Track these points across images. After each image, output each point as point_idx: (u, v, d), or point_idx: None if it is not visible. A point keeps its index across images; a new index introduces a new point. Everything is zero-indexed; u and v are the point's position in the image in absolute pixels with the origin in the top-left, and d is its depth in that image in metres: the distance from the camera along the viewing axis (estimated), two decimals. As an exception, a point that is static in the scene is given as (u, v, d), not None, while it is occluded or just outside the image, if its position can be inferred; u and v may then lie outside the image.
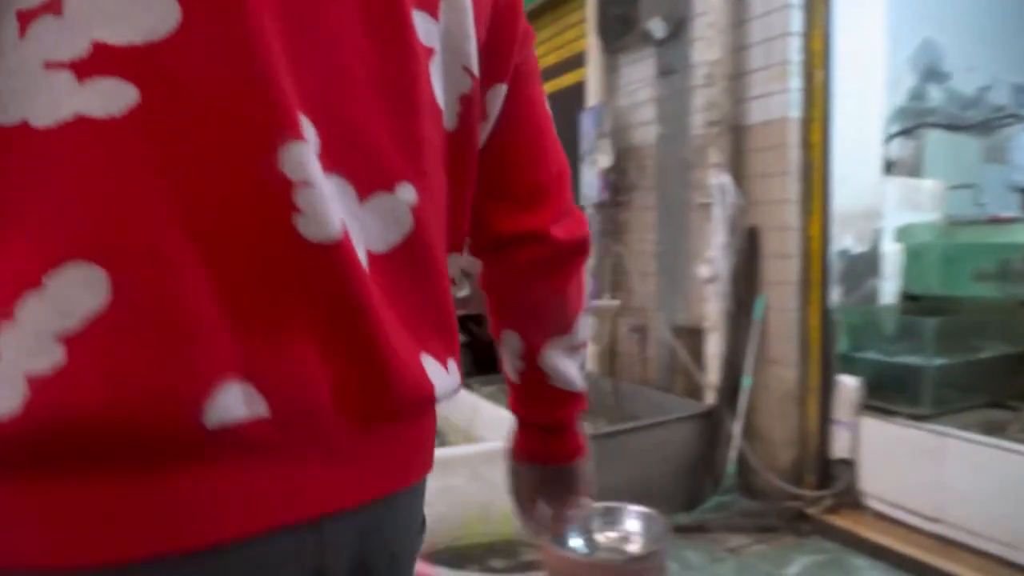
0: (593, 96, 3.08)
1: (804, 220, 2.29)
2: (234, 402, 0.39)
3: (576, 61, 3.54)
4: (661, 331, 2.80)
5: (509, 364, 0.70)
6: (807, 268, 2.31)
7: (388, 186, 0.47)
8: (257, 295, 0.41)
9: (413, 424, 0.51)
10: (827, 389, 2.30)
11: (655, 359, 2.88)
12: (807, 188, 2.28)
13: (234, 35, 0.40)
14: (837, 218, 2.29)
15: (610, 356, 3.04)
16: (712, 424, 2.43)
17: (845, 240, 2.35)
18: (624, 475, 2.24)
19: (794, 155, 2.27)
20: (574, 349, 0.68)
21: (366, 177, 0.46)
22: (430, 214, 0.50)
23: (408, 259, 0.48)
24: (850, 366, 2.32)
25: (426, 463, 0.54)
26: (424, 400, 0.48)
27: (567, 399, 0.70)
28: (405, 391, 0.46)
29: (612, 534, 1.70)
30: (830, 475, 2.31)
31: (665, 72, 2.75)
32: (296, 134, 0.41)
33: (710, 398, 2.51)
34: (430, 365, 0.49)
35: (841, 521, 2.19)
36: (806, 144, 2.27)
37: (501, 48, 0.56)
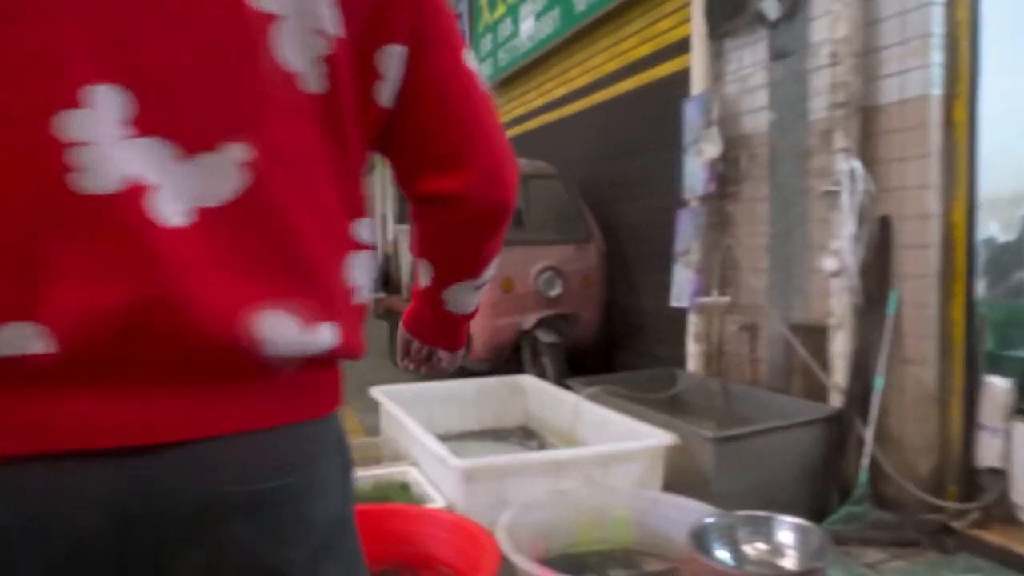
0: (697, 84, 2.95)
1: (945, 206, 2.10)
2: (17, 337, 0.46)
3: (672, 51, 3.42)
4: (775, 329, 2.64)
5: (420, 275, 0.78)
6: (948, 259, 2.11)
7: (210, 146, 0.51)
8: (37, 244, 0.47)
9: (236, 371, 0.52)
10: (972, 391, 2.10)
11: (767, 359, 2.72)
12: (949, 171, 2.09)
13: (23, 15, 0.46)
14: (982, 204, 2.09)
15: (717, 355, 2.89)
16: (840, 428, 2.25)
17: (990, 227, 2.15)
18: (744, 481, 2.10)
19: (935, 136, 2.08)
20: (477, 288, 0.77)
21: (188, 138, 0.50)
22: (281, 172, 0.53)
23: (249, 215, 0.52)
24: (998, 366, 2.11)
25: (269, 416, 0.54)
26: (242, 348, 0.50)
27: (456, 319, 0.80)
28: (208, 336, 0.49)
29: (761, 546, 1.57)
30: (976, 485, 2.10)
31: (779, 55, 2.60)
32: (73, 103, 0.47)
33: (835, 400, 2.33)
34: (271, 318, 0.52)
35: (993, 536, 1.99)
36: (948, 123, 2.08)
37: (382, 10, 0.57)
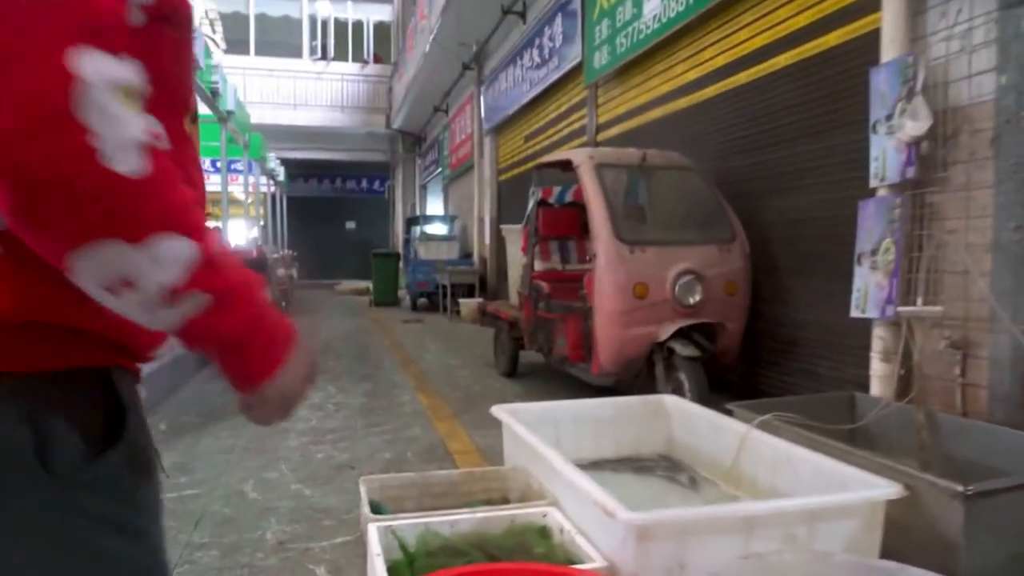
0: (889, 48, 2.43)
1: None
2: None
3: (842, 16, 2.90)
4: (1003, 347, 2.09)
5: None
6: None
7: None
8: None
9: None
10: None
11: (988, 384, 2.16)
12: None
13: None
14: None
15: (917, 378, 2.35)
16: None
17: None
18: (1003, 552, 1.58)
19: None
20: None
21: None
22: None
23: None
24: None
25: None
26: None
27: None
28: None
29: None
30: None
31: (1016, 1, 2.05)
32: None
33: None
34: None
35: None
36: None
37: None
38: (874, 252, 2.40)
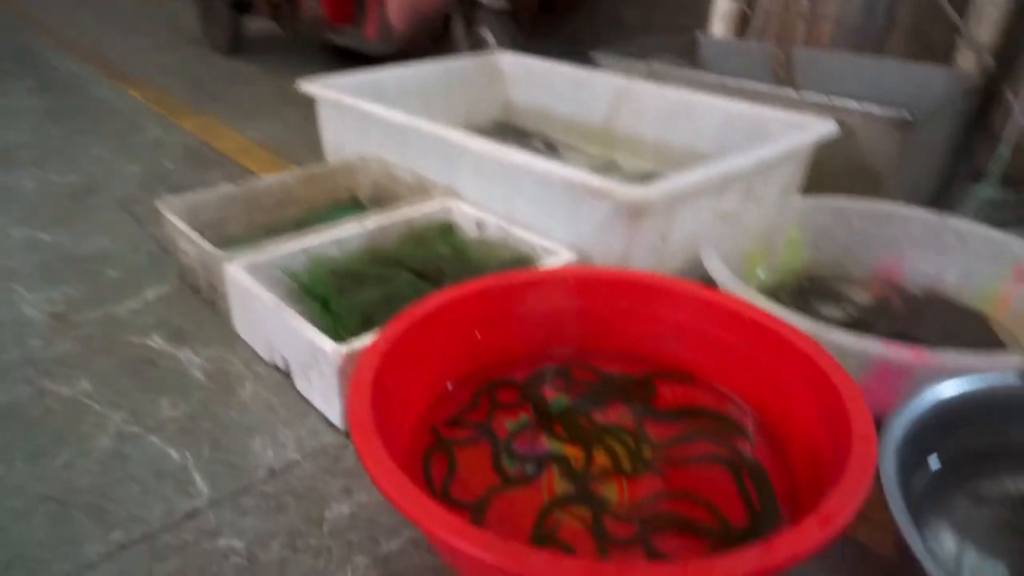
0: None
1: None
2: None
3: None
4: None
5: None
6: None
7: None
8: None
9: None
10: None
11: (837, 14, 2.10)
12: None
13: None
14: None
15: (753, 16, 2.21)
16: (981, 99, 1.79)
17: None
18: (923, 174, 1.61)
19: None
20: None
21: None
22: None
23: None
24: None
25: None
26: None
27: None
28: None
29: None
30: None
31: None
32: None
33: (969, 63, 1.84)
34: None
35: None
36: None
37: None
38: None
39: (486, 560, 0.56)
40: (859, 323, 1.26)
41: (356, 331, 1.07)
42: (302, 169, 1.63)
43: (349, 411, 0.71)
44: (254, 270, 1.16)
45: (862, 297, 1.37)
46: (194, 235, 1.28)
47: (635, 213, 1.16)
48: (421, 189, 1.55)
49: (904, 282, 1.38)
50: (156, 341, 1.21)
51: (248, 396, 1.05)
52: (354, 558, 0.76)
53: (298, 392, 1.05)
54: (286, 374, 1.09)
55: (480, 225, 1.39)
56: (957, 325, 1.25)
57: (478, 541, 0.56)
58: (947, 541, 0.77)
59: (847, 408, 0.74)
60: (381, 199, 1.67)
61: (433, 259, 1.30)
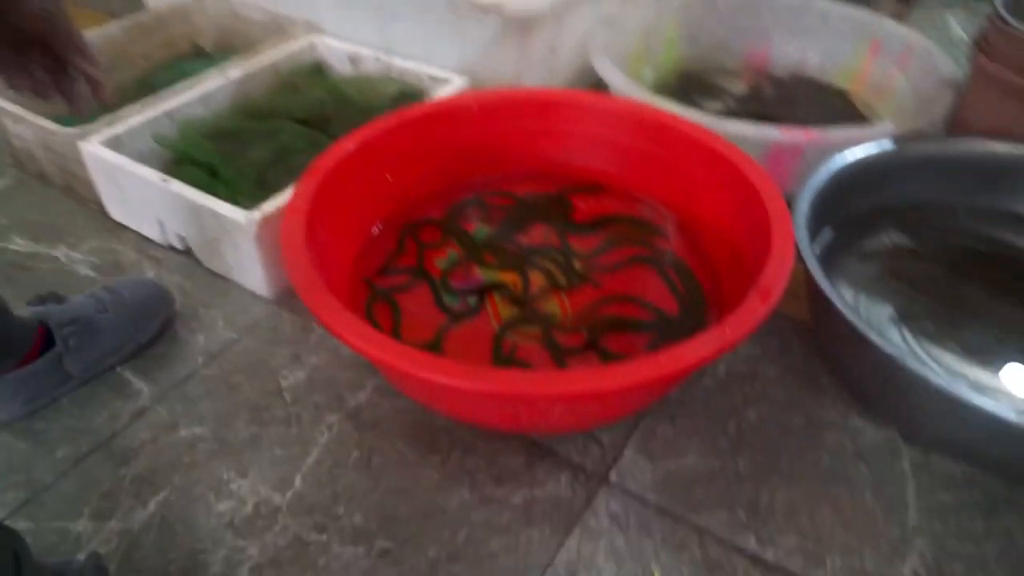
0: None
1: None
2: None
3: None
4: None
5: None
6: None
7: None
8: None
9: None
10: None
11: None
12: None
13: None
14: None
15: None
16: None
17: None
18: None
19: None
20: None
21: None
22: None
23: None
24: None
25: None
26: None
27: None
28: None
29: None
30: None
31: None
32: None
33: None
34: None
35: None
36: None
37: None
38: None
39: (485, 390, 0.58)
40: (738, 112, 1.32)
41: (253, 195, 0.99)
42: (125, 19, 1.41)
43: (291, 275, 0.69)
44: (117, 144, 1.03)
45: (737, 87, 1.42)
46: (28, 114, 1.10)
47: (526, 26, 1.12)
48: (277, 28, 1.39)
49: (772, 67, 1.44)
50: (19, 243, 1.08)
51: (152, 282, 0.97)
52: (325, 417, 0.77)
53: (207, 269, 0.99)
54: (186, 252, 1.02)
55: (354, 60, 1.29)
56: (824, 103, 1.35)
57: (473, 375, 0.58)
58: (846, 295, 0.88)
59: (759, 191, 0.80)
60: (231, 45, 1.50)
61: (313, 105, 1.20)
